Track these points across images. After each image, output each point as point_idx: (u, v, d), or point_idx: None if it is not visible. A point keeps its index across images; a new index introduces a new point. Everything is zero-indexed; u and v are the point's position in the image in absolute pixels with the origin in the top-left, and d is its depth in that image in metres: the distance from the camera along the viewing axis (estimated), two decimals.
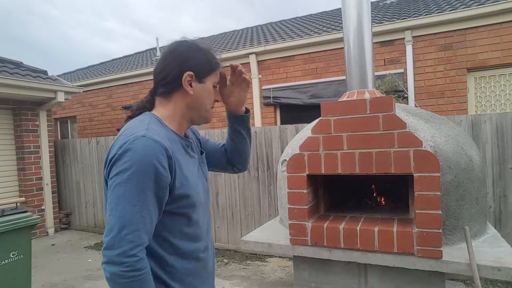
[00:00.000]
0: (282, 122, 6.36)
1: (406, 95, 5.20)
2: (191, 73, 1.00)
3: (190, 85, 1.00)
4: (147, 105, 1.04)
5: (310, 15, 9.44)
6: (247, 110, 1.24)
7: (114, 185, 0.84)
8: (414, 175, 1.62)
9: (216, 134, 4.53)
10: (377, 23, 5.45)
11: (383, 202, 2.34)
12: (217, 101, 1.11)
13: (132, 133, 0.88)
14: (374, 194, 2.40)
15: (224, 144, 1.31)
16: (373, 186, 2.42)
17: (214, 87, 1.07)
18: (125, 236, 0.80)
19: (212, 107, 1.09)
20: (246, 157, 1.31)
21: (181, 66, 0.99)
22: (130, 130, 0.90)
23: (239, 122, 1.22)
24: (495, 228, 2.77)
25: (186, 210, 0.97)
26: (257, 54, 6.37)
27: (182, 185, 0.93)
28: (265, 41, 6.71)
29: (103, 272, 0.82)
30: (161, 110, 1.02)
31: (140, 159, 0.83)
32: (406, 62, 5.28)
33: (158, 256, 0.93)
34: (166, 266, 0.94)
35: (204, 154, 1.19)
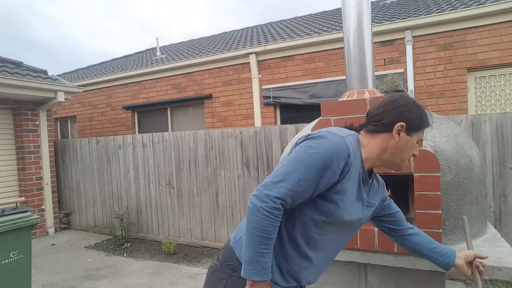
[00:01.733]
0: (282, 122, 6.36)
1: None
2: (403, 124, 1.13)
3: (399, 134, 1.14)
4: (352, 128, 1.20)
5: (310, 15, 9.44)
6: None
7: (297, 151, 1.01)
8: (414, 174, 1.61)
9: (216, 134, 4.53)
10: (377, 23, 5.45)
11: None
12: (414, 155, 1.18)
13: (335, 131, 1.06)
14: None
15: (408, 228, 1.37)
16: None
17: (417, 142, 1.18)
18: (279, 187, 0.95)
19: (408, 159, 1.18)
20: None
21: (398, 115, 1.14)
22: (333, 129, 1.09)
23: (441, 263, 1.33)
24: (495, 228, 2.77)
25: (326, 213, 1.05)
26: (257, 54, 6.37)
27: (339, 192, 1.03)
28: (265, 41, 6.70)
29: (248, 201, 0.99)
30: (366, 139, 1.17)
31: (328, 147, 0.98)
32: (406, 62, 5.28)
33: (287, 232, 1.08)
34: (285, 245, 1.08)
35: (374, 205, 1.26)
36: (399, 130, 1.14)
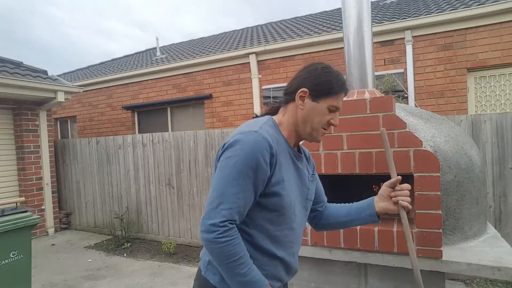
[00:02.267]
0: None
1: (406, 95, 5.20)
2: (305, 89, 1.08)
3: (302, 101, 1.09)
4: (273, 110, 1.19)
5: (310, 15, 9.44)
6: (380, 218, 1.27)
7: (220, 167, 0.99)
8: (414, 175, 1.61)
9: (216, 134, 4.53)
10: (377, 23, 5.45)
11: None
12: (332, 124, 1.12)
13: (248, 128, 1.03)
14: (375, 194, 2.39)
15: (325, 204, 1.35)
16: (374, 187, 2.41)
17: (331, 110, 1.10)
18: (221, 210, 0.94)
19: (325, 129, 1.12)
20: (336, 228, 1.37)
21: (301, 81, 1.10)
22: (247, 125, 1.06)
23: (367, 219, 1.26)
24: (495, 228, 2.77)
25: (274, 208, 1.04)
26: (257, 54, 6.36)
27: (277, 183, 1.02)
28: (265, 41, 6.70)
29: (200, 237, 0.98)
30: (279, 116, 1.15)
31: (247, 149, 0.96)
32: (406, 62, 5.28)
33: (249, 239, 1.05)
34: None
35: (315, 177, 1.26)
36: (302, 96, 1.09)
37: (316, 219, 1.35)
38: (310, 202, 1.20)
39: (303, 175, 1.15)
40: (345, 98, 2.26)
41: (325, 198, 1.36)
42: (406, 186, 1.23)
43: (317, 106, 1.08)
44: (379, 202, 1.24)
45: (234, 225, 0.96)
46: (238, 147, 0.97)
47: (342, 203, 1.34)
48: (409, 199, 1.20)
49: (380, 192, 1.26)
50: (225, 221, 0.93)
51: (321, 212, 1.33)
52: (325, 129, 1.12)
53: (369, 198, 1.28)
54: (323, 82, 1.08)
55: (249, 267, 0.95)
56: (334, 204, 1.35)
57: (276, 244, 1.07)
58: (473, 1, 5.24)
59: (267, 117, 1.13)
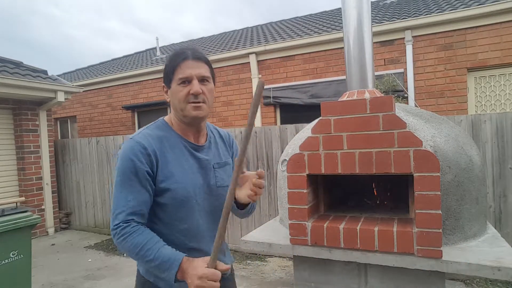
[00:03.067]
0: (282, 122, 6.36)
1: (406, 95, 5.20)
2: (163, 85, 1.17)
3: (167, 94, 1.16)
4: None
5: (310, 15, 9.44)
6: (246, 206, 1.22)
7: (115, 176, 1.10)
8: (414, 175, 1.61)
9: None
10: (377, 23, 5.45)
11: (383, 202, 2.34)
12: (192, 94, 1.10)
13: (131, 137, 1.12)
14: (375, 194, 2.39)
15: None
16: (373, 185, 2.41)
17: (181, 83, 1.10)
18: (116, 216, 1.05)
19: (192, 102, 1.11)
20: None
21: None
22: (135, 133, 1.14)
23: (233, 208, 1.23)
24: (495, 228, 2.77)
25: (172, 202, 1.10)
26: (257, 54, 6.36)
27: (166, 178, 1.09)
28: (265, 41, 6.70)
29: None
30: (171, 115, 1.20)
31: (124, 157, 1.07)
32: (406, 62, 5.28)
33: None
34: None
35: (228, 161, 1.28)
36: (165, 91, 1.17)
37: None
38: (223, 188, 1.20)
39: (206, 164, 1.19)
40: (345, 98, 2.26)
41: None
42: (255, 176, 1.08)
43: (173, 90, 1.13)
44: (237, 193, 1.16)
45: (130, 222, 1.04)
46: (119, 156, 1.09)
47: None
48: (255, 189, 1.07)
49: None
50: (119, 223, 1.04)
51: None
52: (192, 102, 1.10)
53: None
54: (165, 68, 1.14)
55: (156, 252, 1.01)
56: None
57: (189, 237, 1.13)
58: (473, 1, 5.24)
59: (159, 119, 1.21)
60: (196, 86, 1.10)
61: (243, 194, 1.13)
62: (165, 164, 1.09)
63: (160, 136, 1.12)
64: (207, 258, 1.02)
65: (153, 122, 1.20)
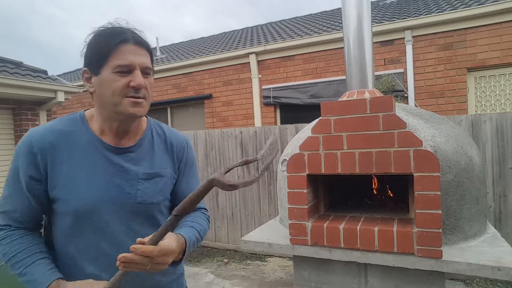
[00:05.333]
0: (282, 122, 6.36)
1: (406, 95, 5.20)
2: (85, 69, 0.91)
3: (90, 82, 0.91)
4: None
5: (310, 14, 9.44)
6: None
7: None
8: (414, 174, 1.61)
9: (216, 134, 4.53)
10: (377, 23, 5.45)
11: (383, 202, 2.34)
12: (133, 87, 0.88)
13: None
14: (374, 194, 2.40)
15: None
16: (373, 186, 2.41)
17: (118, 72, 0.87)
18: None
19: (131, 96, 0.88)
20: None
21: (83, 63, 0.92)
22: None
23: None
24: (495, 228, 2.77)
25: (65, 214, 0.90)
26: (257, 54, 6.36)
27: (57, 185, 0.89)
28: (265, 41, 6.70)
29: None
30: (94, 108, 0.98)
31: (14, 152, 0.93)
32: (406, 62, 5.28)
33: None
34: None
35: (161, 173, 1.00)
36: (87, 78, 0.91)
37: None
38: (146, 205, 0.96)
39: (126, 173, 0.94)
40: (345, 98, 2.25)
41: (198, 208, 1.13)
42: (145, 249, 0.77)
43: (103, 78, 0.88)
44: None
45: (4, 227, 0.90)
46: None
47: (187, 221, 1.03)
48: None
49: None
50: None
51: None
52: (132, 96, 0.88)
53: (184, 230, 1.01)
54: (92, 48, 0.88)
55: (24, 267, 0.87)
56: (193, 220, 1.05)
57: (88, 260, 0.91)
58: (473, 1, 5.24)
59: (76, 113, 1.01)
60: (139, 77, 0.88)
61: None
62: (59, 166, 0.88)
63: (63, 132, 0.91)
64: (102, 283, 0.82)
65: (71, 113, 1.00)
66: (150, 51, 0.94)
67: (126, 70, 0.87)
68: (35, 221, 0.94)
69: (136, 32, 0.92)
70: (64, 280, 0.87)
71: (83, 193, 0.89)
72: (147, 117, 1.07)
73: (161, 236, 0.76)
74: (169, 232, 0.81)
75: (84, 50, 0.91)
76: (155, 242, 0.76)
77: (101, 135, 0.95)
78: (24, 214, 0.91)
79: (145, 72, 0.91)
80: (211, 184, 0.70)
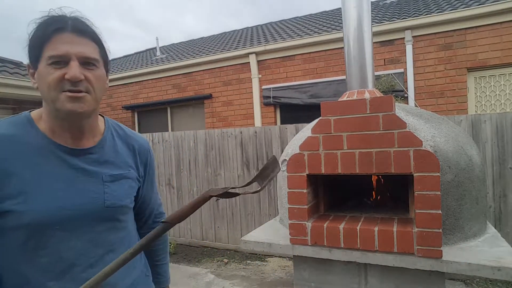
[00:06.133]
0: (282, 122, 6.36)
1: (406, 95, 5.20)
2: (28, 64, 0.83)
3: (33, 77, 0.84)
4: None
5: (310, 14, 9.44)
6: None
7: None
8: (414, 174, 1.62)
9: (216, 134, 4.53)
10: (377, 23, 5.45)
11: (383, 202, 2.34)
12: (70, 80, 0.79)
13: None
14: (374, 194, 2.40)
15: (159, 220, 1.11)
16: (373, 186, 2.42)
17: (52, 63, 0.78)
18: None
19: (68, 90, 0.80)
20: None
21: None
22: None
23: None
24: (495, 228, 2.77)
25: (21, 229, 0.79)
26: (257, 54, 6.36)
27: (6, 197, 0.77)
28: (265, 41, 6.70)
29: None
30: (42, 108, 0.89)
31: None
32: (406, 62, 5.28)
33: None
34: None
35: (127, 174, 0.96)
36: (31, 73, 0.84)
37: (139, 232, 1.09)
38: (114, 209, 0.90)
39: (89, 176, 0.87)
40: (345, 98, 2.25)
41: (153, 212, 1.11)
42: None
43: (40, 72, 0.80)
44: None
45: None
46: None
47: (159, 250, 1.15)
48: None
49: None
50: None
51: (140, 231, 1.08)
52: (68, 90, 0.80)
53: (161, 280, 1.15)
54: (30, 40, 0.80)
55: None
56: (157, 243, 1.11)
57: (51, 275, 0.81)
58: (473, 1, 5.24)
59: (20, 114, 0.90)
60: (74, 68, 0.78)
61: None
62: (7, 176, 0.78)
63: (7, 136, 0.81)
64: None
65: (13, 115, 0.89)
66: (96, 39, 0.85)
67: (61, 61, 0.79)
68: None
69: (80, 19, 0.83)
70: None
71: (41, 203, 0.79)
72: (104, 117, 1.00)
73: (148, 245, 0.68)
74: None
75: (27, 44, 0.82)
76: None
77: (53, 136, 0.85)
78: None
79: (87, 63, 0.82)
80: (207, 193, 0.67)
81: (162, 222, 0.66)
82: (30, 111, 0.89)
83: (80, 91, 0.80)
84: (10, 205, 0.77)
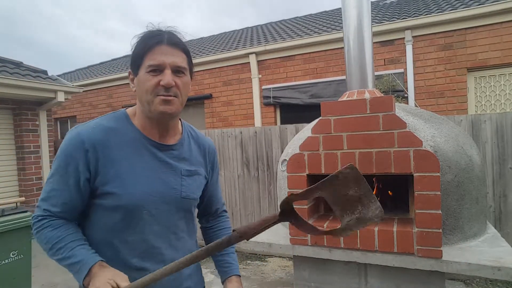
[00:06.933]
0: (282, 122, 6.36)
1: (406, 95, 5.20)
2: (129, 71, 0.99)
3: (133, 82, 0.98)
4: None
5: (310, 15, 9.44)
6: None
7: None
8: (414, 175, 1.61)
9: (216, 134, 4.53)
10: (377, 23, 5.45)
11: (383, 202, 2.34)
12: (162, 86, 0.92)
13: (84, 124, 0.98)
14: (374, 194, 2.39)
15: (217, 216, 1.23)
16: (373, 186, 2.41)
17: (151, 71, 0.92)
18: (38, 207, 0.95)
19: (161, 94, 0.93)
20: None
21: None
22: (92, 121, 0.99)
23: (218, 269, 1.18)
24: (495, 228, 2.77)
25: (115, 209, 0.93)
26: (257, 54, 6.36)
27: (110, 181, 0.92)
28: (265, 41, 6.70)
29: None
30: (136, 106, 1.02)
31: (62, 148, 0.93)
32: (406, 62, 5.28)
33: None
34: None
35: (199, 171, 1.09)
36: (131, 79, 0.99)
37: (202, 226, 1.24)
38: (189, 200, 1.04)
39: (171, 169, 1.00)
40: (345, 98, 2.26)
41: (219, 209, 1.23)
42: None
43: (140, 78, 0.94)
44: (228, 283, 1.12)
45: (47, 217, 0.93)
46: (62, 144, 0.95)
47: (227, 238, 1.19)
48: None
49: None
50: (39, 215, 0.94)
51: (205, 225, 1.22)
52: (162, 95, 0.93)
53: (233, 272, 1.15)
54: (133, 51, 0.96)
55: (68, 251, 0.89)
56: (223, 231, 1.22)
57: (134, 253, 0.95)
58: (473, 1, 5.24)
59: (118, 110, 1.03)
60: (168, 76, 0.92)
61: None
62: (110, 162, 0.92)
63: (111, 129, 0.95)
64: (125, 278, 0.84)
65: (113, 111, 1.02)
66: (186, 51, 0.98)
67: (158, 69, 0.92)
68: (75, 214, 0.96)
69: (173, 33, 0.97)
70: (106, 263, 0.90)
71: (135, 188, 0.93)
72: (180, 119, 1.11)
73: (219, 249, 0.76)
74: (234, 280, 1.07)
75: (131, 53, 0.97)
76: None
77: (144, 131, 0.99)
78: (67, 207, 0.93)
79: (178, 71, 0.95)
80: (277, 219, 0.69)
81: (237, 236, 0.73)
82: (126, 108, 1.03)
83: (170, 95, 0.94)
84: (112, 188, 0.91)
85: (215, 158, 1.18)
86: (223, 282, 1.13)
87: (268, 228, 0.71)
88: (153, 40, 0.93)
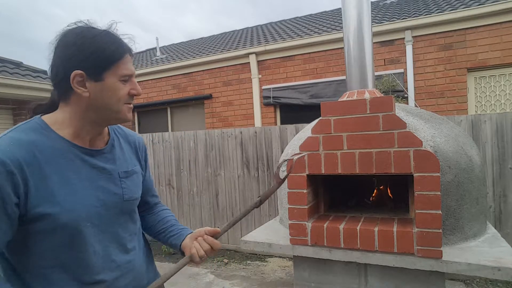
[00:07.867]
0: (282, 122, 6.36)
1: (406, 95, 5.20)
2: (80, 72, 0.84)
3: (84, 86, 0.85)
4: (48, 106, 0.93)
5: (310, 15, 9.44)
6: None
7: None
8: (414, 175, 1.61)
9: (216, 134, 4.53)
10: (377, 23, 5.45)
11: (383, 202, 2.34)
12: (135, 95, 0.93)
13: None
14: (374, 194, 2.40)
15: (152, 206, 1.20)
16: (373, 185, 2.41)
17: (123, 81, 0.89)
18: None
19: (127, 103, 0.92)
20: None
21: (67, 63, 0.84)
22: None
23: (170, 244, 1.13)
24: (495, 228, 2.77)
25: (55, 231, 0.82)
26: (257, 54, 6.37)
27: (42, 202, 0.80)
28: (265, 41, 6.71)
29: None
30: (58, 113, 0.90)
31: None
32: (406, 62, 5.28)
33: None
34: None
35: (135, 169, 1.05)
36: (79, 81, 0.85)
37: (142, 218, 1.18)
38: (131, 202, 1.01)
39: (108, 174, 0.95)
40: (345, 98, 2.25)
41: (152, 199, 1.20)
42: (210, 240, 1.07)
43: (106, 85, 0.87)
44: (188, 239, 1.08)
45: None
46: None
47: (168, 217, 1.19)
48: (202, 252, 1.03)
49: (195, 231, 1.11)
50: None
51: (143, 215, 1.16)
52: (129, 103, 0.93)
53: (188, 231, 1.13)
54: (96, 52, 0.84)
55: None
56: (163, 212, 1.20)
57: (83, 268, 0.88)
58: (473, 1, 5.25)
59: (32, 120, 0.88)
60: (138, 86, 0.93)
61: (186, 243, 1.05)
62: (41, 181, 0.80)
63: (32, 142, 0.82)
64: None
65: (24, 122, 0.88)
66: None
67: (127, 79, 0.91)
68: (2, 245, 0.80)
69: (130, 40, 0.96)
70: None
71: (74, 203, 0.85)
72: None
73: (241, 218, 1.12)
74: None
75: (75, 51, 0.84)
76: (231, 225, 1.11)
77: (74, 139, 0.89)
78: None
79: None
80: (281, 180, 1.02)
81: (260, 200, 1.04)
82: (40, 115, 0.90)
83: (131, 103, 0.95)
84: (46, 208, 0.81)
85: (146, 152, 1.17)
86: (180, 244, 1.09)
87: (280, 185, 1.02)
88: (123, 47, 0.90)
